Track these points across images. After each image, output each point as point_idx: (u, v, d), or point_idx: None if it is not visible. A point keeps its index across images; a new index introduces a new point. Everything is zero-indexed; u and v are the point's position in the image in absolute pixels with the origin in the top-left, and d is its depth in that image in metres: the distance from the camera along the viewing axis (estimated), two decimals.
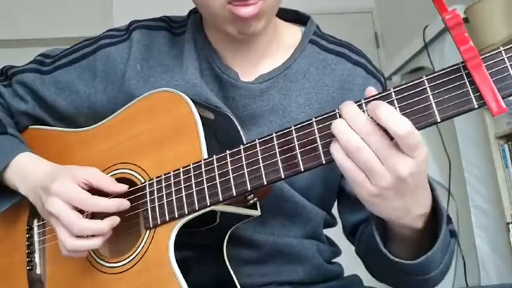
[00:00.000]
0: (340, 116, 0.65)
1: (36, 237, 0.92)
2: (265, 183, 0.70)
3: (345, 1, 3.53)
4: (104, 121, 0.90)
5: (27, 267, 0.90)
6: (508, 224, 2.07)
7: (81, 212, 0.79)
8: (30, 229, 0.93)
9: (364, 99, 0.65)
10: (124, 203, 0.80)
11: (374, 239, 0.76)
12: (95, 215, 0.83)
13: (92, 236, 0.78)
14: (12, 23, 3.24)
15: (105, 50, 0.95)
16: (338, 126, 0.63)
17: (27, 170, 0.86)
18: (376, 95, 0.65)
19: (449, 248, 0.77)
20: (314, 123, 0.68)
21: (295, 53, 0.93)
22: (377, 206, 0.66)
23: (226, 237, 0.84)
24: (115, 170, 0.85)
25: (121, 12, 3.21)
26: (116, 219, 0.80)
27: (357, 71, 0.94)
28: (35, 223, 0.92)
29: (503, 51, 0.58)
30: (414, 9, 3.04)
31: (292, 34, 0.96)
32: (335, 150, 0.64)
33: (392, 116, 0.60)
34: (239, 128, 0.86)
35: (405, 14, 3.23)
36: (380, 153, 0.62)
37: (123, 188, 0.82)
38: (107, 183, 0.81)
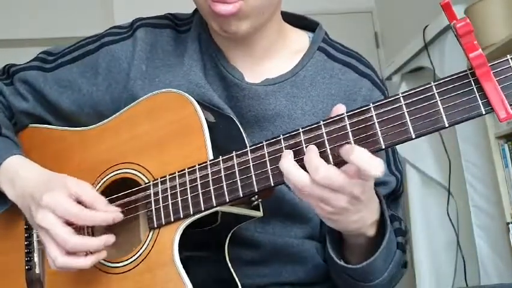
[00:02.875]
0: (325, 127, 0.68)
1: (35, 237, 0.91)
2: (272, 184, 0.71)
3: (345, 1, 3.53)
4: (105, 121, 0.90)
5: (26, 267, 0.90)
6: (508, 223, 2.07)
7: (70, 224, 0.78)
8: (28, 228, 0.92)
9: (372, 103, 0.66)
10: (119, 215, 0.80)
11: (327, 249, 0.81)
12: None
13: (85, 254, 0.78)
14: (12, 23, 3.23)
15: (108, 48, 0.94)
16: (284, 164, 0.67)
17: (17, 175, 0.85)
18: (385, 99, 0.65)
19: (393, 258, 0.81)
20: (322, 126, 0.68)
21: (304, 60, 0.93)
22: (337, 222, 0.72)
23: (228, 237, 0.84)
24: (118, 170, 0.85)
25: (121, 11, 3.20)
26: (111, 239, 0.79)
27: (363, 82, 0.94)
28: None
29: (510, 59, 0.60)
30: (414, 9, 3.04)
31: (300, 39, 0.97)
32: (287, 181, 0.68)
33: (368, 161, 0.62)
34: (242, 130, 0.86)
35: (405, 14, 3.23)
36: (333, 186, 0.65)
37: (116, 213, 0.80)
38: (101, 204, 0.80)
